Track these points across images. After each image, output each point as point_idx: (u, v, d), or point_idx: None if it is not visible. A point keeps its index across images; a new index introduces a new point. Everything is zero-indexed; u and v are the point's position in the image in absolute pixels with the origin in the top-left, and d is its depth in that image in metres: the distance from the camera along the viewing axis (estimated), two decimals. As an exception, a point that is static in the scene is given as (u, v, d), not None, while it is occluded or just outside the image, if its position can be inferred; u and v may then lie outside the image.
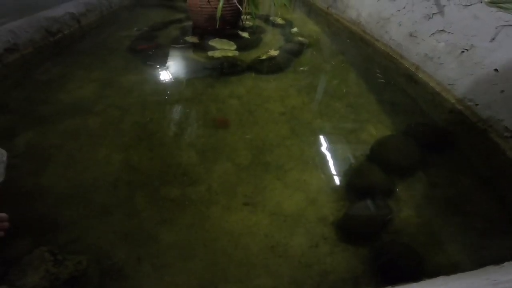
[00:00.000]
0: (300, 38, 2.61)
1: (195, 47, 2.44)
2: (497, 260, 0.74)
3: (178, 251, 0.91)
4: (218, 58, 2.15)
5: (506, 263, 0.71)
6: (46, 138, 1.35)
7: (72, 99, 1.66)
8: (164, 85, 1.83)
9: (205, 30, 2.72)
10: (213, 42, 2.45)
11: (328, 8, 3.71)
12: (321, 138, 1.41)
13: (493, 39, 1.47)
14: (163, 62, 2.12)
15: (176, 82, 1.88)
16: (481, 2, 1.55)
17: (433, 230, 0.98)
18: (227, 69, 1.99)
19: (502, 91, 1.36)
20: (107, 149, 1.30)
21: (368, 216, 1.01)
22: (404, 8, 2.23)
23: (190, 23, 3.01)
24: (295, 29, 2.91)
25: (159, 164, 1.22)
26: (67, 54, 2.24)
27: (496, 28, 1.45)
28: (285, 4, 2.73)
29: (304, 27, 3.09)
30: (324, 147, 1.35)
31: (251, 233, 0.96)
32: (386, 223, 0.99)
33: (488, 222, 1.01)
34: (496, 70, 1.42)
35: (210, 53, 2.23)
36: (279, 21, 3.22)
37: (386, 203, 1.05)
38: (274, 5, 2.97)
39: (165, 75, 1.96)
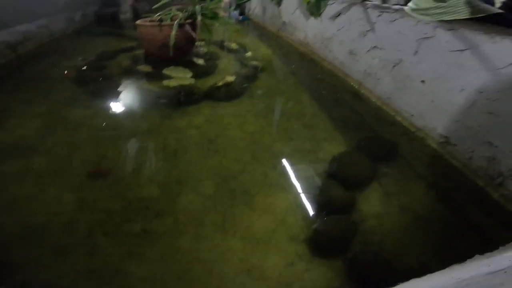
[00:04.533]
0: (254, 62, 2.76)
1: (149, 77, 2.41)
2: (460, 257, 0.82)
3: (151, 285, 0.87)
4: (174, 87, 2.15)
5: (467, 261, 0.79)
6: (-17, 182, 1.23)
7: (13, 138, 1.53)
8: (117, 119, 1.78)
9: (159, 58, 2.70)
10: (167, 71, 2.43)
11: (278, 31, 4.01)
12: (283, 160, 1.47)
13: (416, 52, 1.71)
14: (114, 94, 2.05)
15: (130, 114, 1.84)
16: (403, 18, 1.82)
17: (398, 236, 1.08)
18: (184, 98, 1.99)
19: (432, 101, 1.59)
20: (57, 190, 1.21)
21: (336, 230, 1.08)
22: (343, 27, 2.51)
23: (142, 51, 2.97)
24: (249, 53, 3.06)
25: (118, 201, 1.17)
26: (3, 88, 2.08)
27: (417, 41, 1.70)
28: (238, 29, 2.90)
29: (258, 50, 3.28)
30: (286, 169, 1.42)
31: (225, 259, 0.96)
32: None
33: (442, 222, 1.15)
34: (423, 81, 1.66)
35: (165, 82, 2.22)
36: (233, 46, 3.35)
37: (350, 216, 1.14)
38: (228, 30, 3.10)
39: (117, 108, 1.90)
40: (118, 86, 2.18)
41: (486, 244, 0.87)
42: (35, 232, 1.03)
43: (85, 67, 2.50)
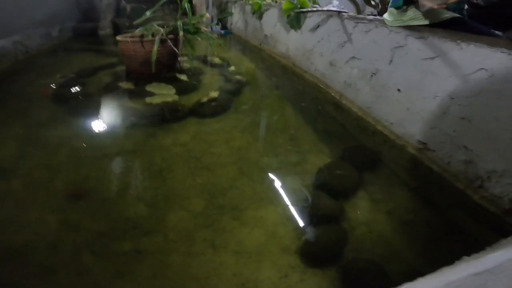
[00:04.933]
0: (238, 77, 2.80)
1: (131, 94, 2.38)
2: (449, 259, 0.86)
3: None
4: (157, 104, 2.14)
5: (456, 262, 0.84)
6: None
7: (-12, 162, 1.49)
8: (100, 139, 1.77)
9: (141, 75, 2.67)
10: (150, 88, 2.42)
11: (260, 44, 4.13)
12: (270, 174, 1.51)
13: (391, 61, 1.81)
14: (95, 112, 2.02)
15: (112, 134, 1.83)
16: (377, 28, 1.92)
17: (387, 242, 1.13)
18: (168, 116, 1.99)
19: (408, 109, 1.68)
20: (39, 212, 1.19)
21: (327, 239, 1.11)
22: (322, 39, 2.62)
23: (123, 68, 2.93)
24: (232, 68, 3.13)
25: (103, 221, 1.16)
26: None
27: (391, 50, 1.81)
28: (220, 44, 2.95)
29: (241, 65, 3.35)
30: (274, 182, 1.45)
31: (218, 275, 0.96)
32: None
33: (428, 226, 1.21)
34: (399, 90, 1.76)
35: (148, 100, 2.20)
36: (216, 60, 3.40)
37: (339, 224, 1.18)
38: (210, 45, 3.14)
39: (99, 127, 1.88)
40: (99, 104, 2.16)
41: (473, 245, 0.92)
42: (19, 253, 1.01)
43: (64, 85, 2.45)
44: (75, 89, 2.38)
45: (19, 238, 1.07)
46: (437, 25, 1.60)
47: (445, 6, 1.57)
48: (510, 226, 1.16)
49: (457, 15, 1.59)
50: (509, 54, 1.21)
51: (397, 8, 1.79)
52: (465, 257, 0.85)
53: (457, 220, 1.26)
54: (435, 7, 1.58)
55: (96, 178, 1.41)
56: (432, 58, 1.54)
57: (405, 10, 1.75)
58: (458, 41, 1.42)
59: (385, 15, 1.89)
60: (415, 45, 1.65)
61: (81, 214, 1.19)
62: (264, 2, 4.07)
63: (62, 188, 1.33)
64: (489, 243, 0.93)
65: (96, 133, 1.82)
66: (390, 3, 1.87)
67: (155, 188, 1.36)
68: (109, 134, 1.83)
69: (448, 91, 1.44)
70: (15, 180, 1.36)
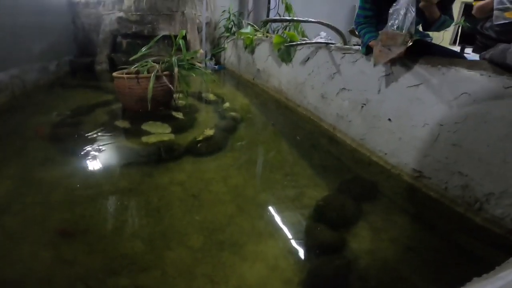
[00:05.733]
0: (232, 114, 2.89)
1: (127, 133, 2.44)
2: (459, 281, 0.88)
3: None
4: (153, 144, 2.19)
5: (467, 284, 0.85)
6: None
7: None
8: (96, 178, 1.80)
9: (137, 113, 2.72)
10: (146, 126, 2.47)
11: (253, 79, 4.28)
12: (269, 210, 1.54)
13: (379, 90, 1.90)
14: (91, 152, 2.07)
15: (108, 173, 1.87)
16: (363, 58, 2.03)
17: (394, 269, 1.15)
18: (164, 155, 2.05)
19: (400, 138, 1.76)
20: (32, 247, 1.20)
21: (330, 269, 1.12)
22: (313, 71, 2.72)
23: (119, 105, 2.98)
24: (227, 104, 3.22)
25: (99, 257, 1.17)
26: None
27: (379, 80, 1.90)
28: (214, 80, 3.04)
29: (235, 101, 3.47)
30: (273, 217, 1.48)
31: (220, 311, 0.95)
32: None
33: (433, 251, 1.24)
34: (389, 119, 1.84)
35: (144, 139, 2.25)
36: (211, 97, 3.51)
37: (342, 254, 1.19)
38: (205, 81, 3.23)
39: (95, 167, 1.91)
40: (95, 143, 2.21)
41: (481, 266, 0.95)
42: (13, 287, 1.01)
43: (60, 123, 2.51)
44: (71, 128, 2.43)
45: (12, 273, 1.08)
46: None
47: (395, 60, 1.70)
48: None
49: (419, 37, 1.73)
50: (489, 76, 1.30)
51: None
52: (475, 278, 0.87)
53: (462, 243, 1.30)
54: (388, 63, 1.74)
55: (91, 216, 1.42)
56: (417, 86, 1.64)
57: None
58: (439, 66, 1.52)
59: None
60: (399, 73, 1.75)
61: (76, 250, 1.20)
62: (256, 37, 4.22)
63: (56, 225, 1.35)
64: (498, 263, 0.97)
65: (92, 173, 1.85)
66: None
67: (153, 226, 1.37)
68: (105, 173, 1.86)
69: (437, 118, 1.53)
70: (8, 218, 1.38)
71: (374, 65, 1.88)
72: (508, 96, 1.24)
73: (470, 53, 2.34)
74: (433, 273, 1.13)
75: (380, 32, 1.66)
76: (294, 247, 1.27)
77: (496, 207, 1.29)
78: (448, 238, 1.33)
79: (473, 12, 1.78)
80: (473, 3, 1.76)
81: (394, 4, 1.57)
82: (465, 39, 6.20)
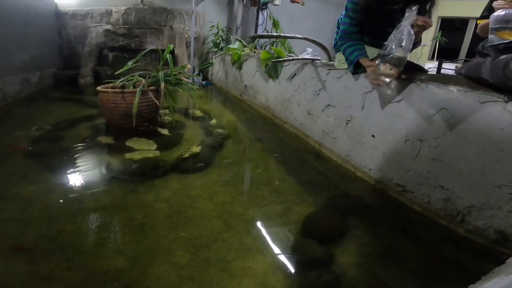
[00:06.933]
0: (219, 130, 2.88)
1: (110, 149, 2.39)
2: None
3: None
4: (137, 161, 2.16)
5: None
6: None
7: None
8: (76, 195, 1.74)
9: (121, 129, 2.67)
10: (130, 143, 2.42)
11: (241, 95, 4.31)
12: (256, 226, 1.54)
13: (363, 107, 1.97)
14: (72, 168, 2.02)
15: (90, 190, 1.82)
16: (348, 74, 2.09)
17: (382, 282, 1.17)
18: (149, 172, 2.02)
19: (384, 154, 1.82)
20: (6, 262, 1.17)
21: (320, 285, 1.13)
22: (299, 87, 2.77)
23: (102, 120, 2.93)
24: (213, 121, 3.22)
25: (79, 273, 1.13)
26: None
27: (362, 96, 1.96)
28: (201, 96, 3.04)
29: (222, 117, 3.48)
30: (261, 233, 1.48)
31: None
32: None
33: (420, 262, 1.28)
34: (373, 136, 1.91)
35: (128, 155, 2.22)
36: (198, 113, 3.49)
37: (330, 268, 1.21)
38: (192, 97, 3.22)
39: (76, 183, 1.87)
40: (76, 160, 2.16)
41: (468, 276, 0.99)
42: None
43: (39, 138, 2.43)
44: (51, 143, 2.36)
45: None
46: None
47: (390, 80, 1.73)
48: (501, 255, 1.25)
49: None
50: (465, 91, 1.38)
51: (337, 51, 2.13)
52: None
53: (448, 254, 1.35)
54: (383, 84, 1.76)
55: (70, 232, 1.38)
56: (398, 102, 1.72)
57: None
58: (418, 82, 1.60)
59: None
60: (382, 90, 1.81)
61: (54, 265, 1.17)
62: (243, 53, 4.28)
63: (33, 242, 1.30)
64: (483, 273, 1.01)
65: (72, 189, 1.80)
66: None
67: (136, 242, 1.34)
68: (86, 190, 1.81)
69: (417, 133, 1.61)
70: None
71: (371, 86, 1.89)
72: (484, 110, 1.32)
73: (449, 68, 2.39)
74: (421, 285, 1.16)
75: (380, 59, 1.65)
76: (282, 263, 1.27)
77: (478, 218, 1.35)
78: (433, 249, 1.38)
79: (477, 31, 1.78)
80: (478, 22, 1.77)
81: (396, 27, 1.58)
82: (443, 54, 6.43)
